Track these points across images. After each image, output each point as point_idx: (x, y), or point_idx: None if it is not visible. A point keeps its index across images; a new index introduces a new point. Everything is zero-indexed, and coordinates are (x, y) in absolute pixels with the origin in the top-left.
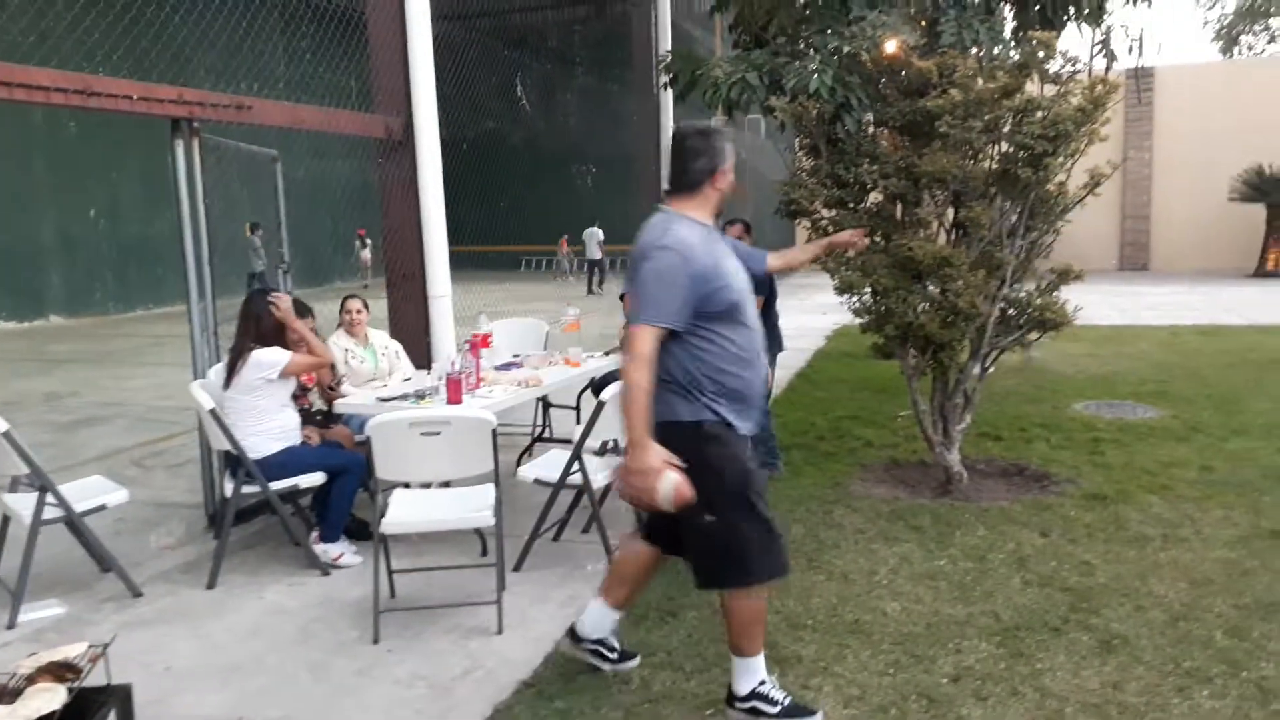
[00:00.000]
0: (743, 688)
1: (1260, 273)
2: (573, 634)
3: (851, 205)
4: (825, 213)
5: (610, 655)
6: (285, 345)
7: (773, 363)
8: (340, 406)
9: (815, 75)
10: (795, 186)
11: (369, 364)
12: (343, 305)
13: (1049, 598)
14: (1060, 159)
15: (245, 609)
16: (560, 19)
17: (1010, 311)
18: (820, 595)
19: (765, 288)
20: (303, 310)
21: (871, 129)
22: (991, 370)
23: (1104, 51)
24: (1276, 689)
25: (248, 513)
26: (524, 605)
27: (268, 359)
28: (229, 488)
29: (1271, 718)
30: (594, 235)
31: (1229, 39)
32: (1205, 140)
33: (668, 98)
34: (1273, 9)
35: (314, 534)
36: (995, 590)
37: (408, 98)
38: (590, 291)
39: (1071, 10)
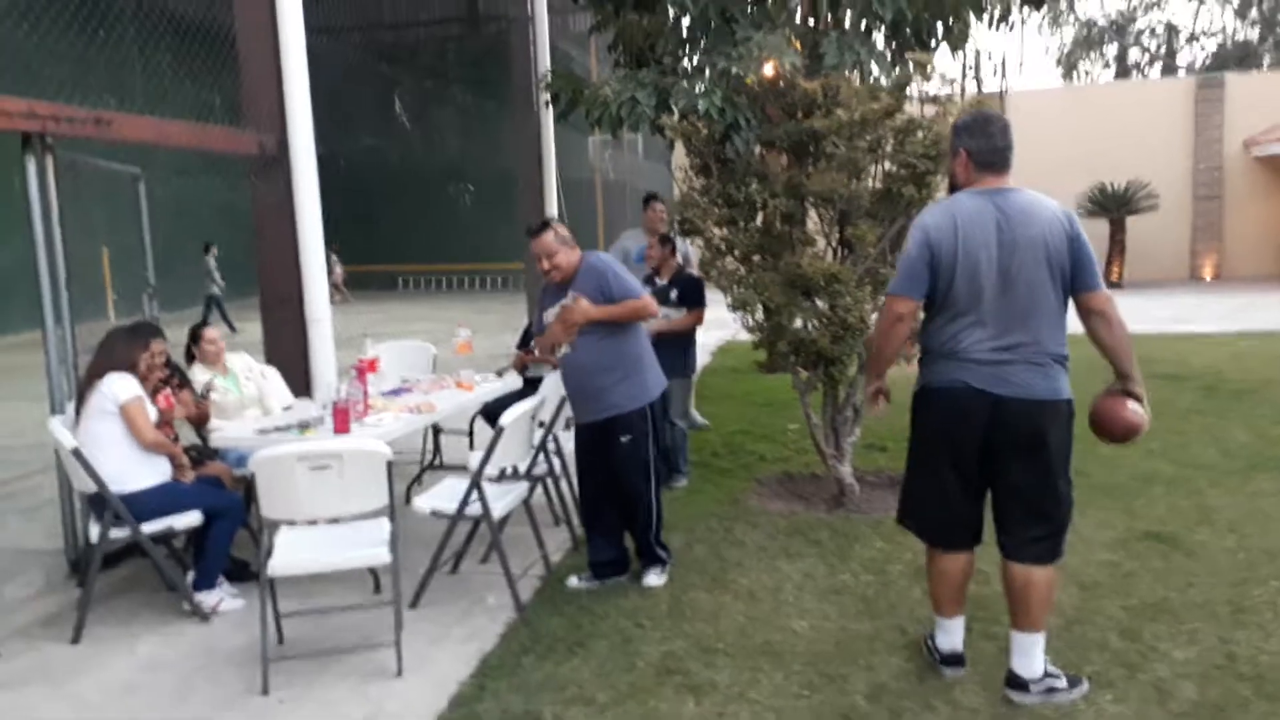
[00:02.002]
0: (1037, 668)
1: (1106, 283)
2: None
3: (742, 224)
4: (717, 231)
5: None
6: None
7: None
8: (217, 440)
9: (704, 96)
10: (688, 206)
11: (233, 394)
12: (197, 336)
13: None
14: (941, 176)
15: (116, 664)
16: (436, 36)
17: None
18: (729, 616)
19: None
20: (174, 371)
21: (758, 149)
22: None
23: (975, 74)
24: (1172, 690)
25: (115, 557)
26: (423, 645)
27: (119, 386)
28: (94, 532)
29: (1171, 718)
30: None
31: (1069, 65)
32: (1053, 159)
33: (548, 117)
34: (1106, 39)
35: (190, 576)
36: (898, 603)
37: (282, 113)
38: None
39: (940, 33)
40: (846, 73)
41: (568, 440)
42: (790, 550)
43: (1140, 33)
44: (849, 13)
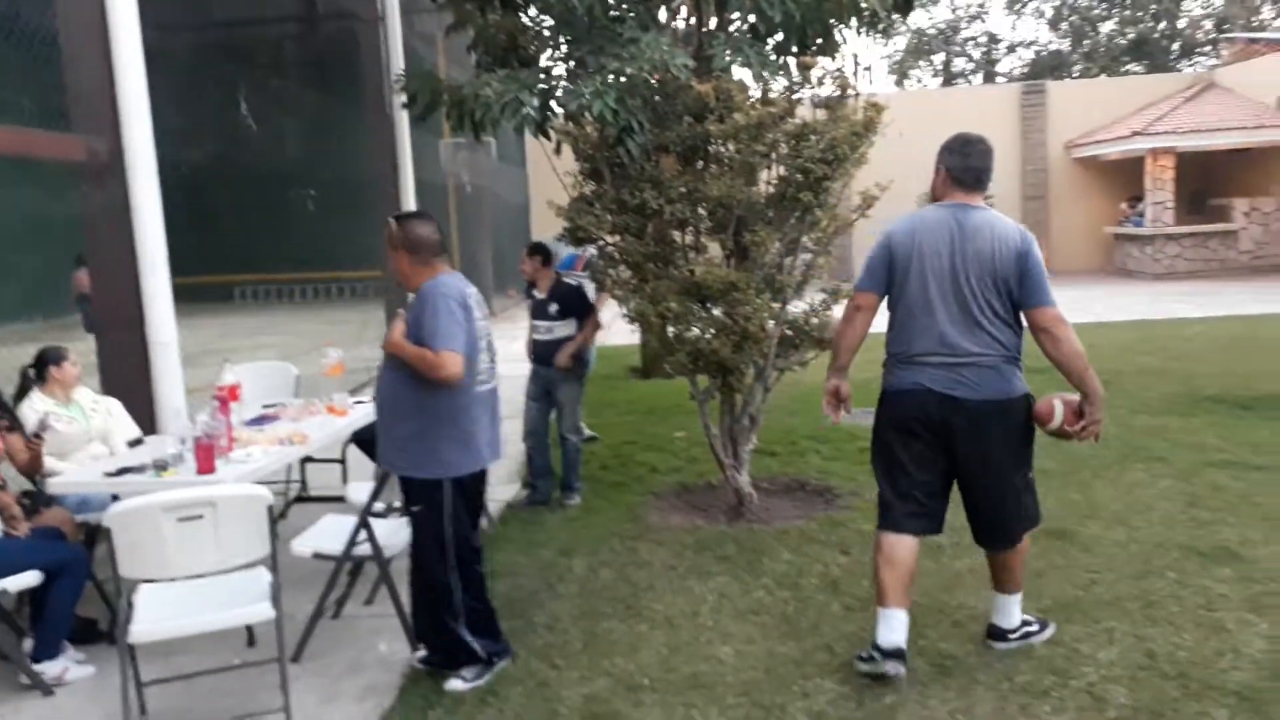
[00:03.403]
0: (1015, 620)
1: None
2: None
3: (634, 231)
4: (609, 239)
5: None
6: None
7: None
8: (56, 486)
9: (597, 97)
10: (581, 213)
11: (79, 424)
12: (52, 361)
13: (873, 622)
14: (838, 182)
15: None
16: (276, 34)
17: (788, 332)
18: (649, 647)
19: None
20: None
21: (651, 153)
22: (773, 391)
23: (852, 79)
24: (1106, 695)
25: None
26: (313, 705)
27: None
28: None
29: None
30: None
31: (901, 72)
32: (893, 160)
33: (403, 118)
34: (934, 47)
35: (27, 643)
36: (820, 621)
37: (115, 116)
38: None
39: (820, 37)
40: (736, 75)
41: None
42: (700, 568)
43: (965, 42)
44: (737, 14)
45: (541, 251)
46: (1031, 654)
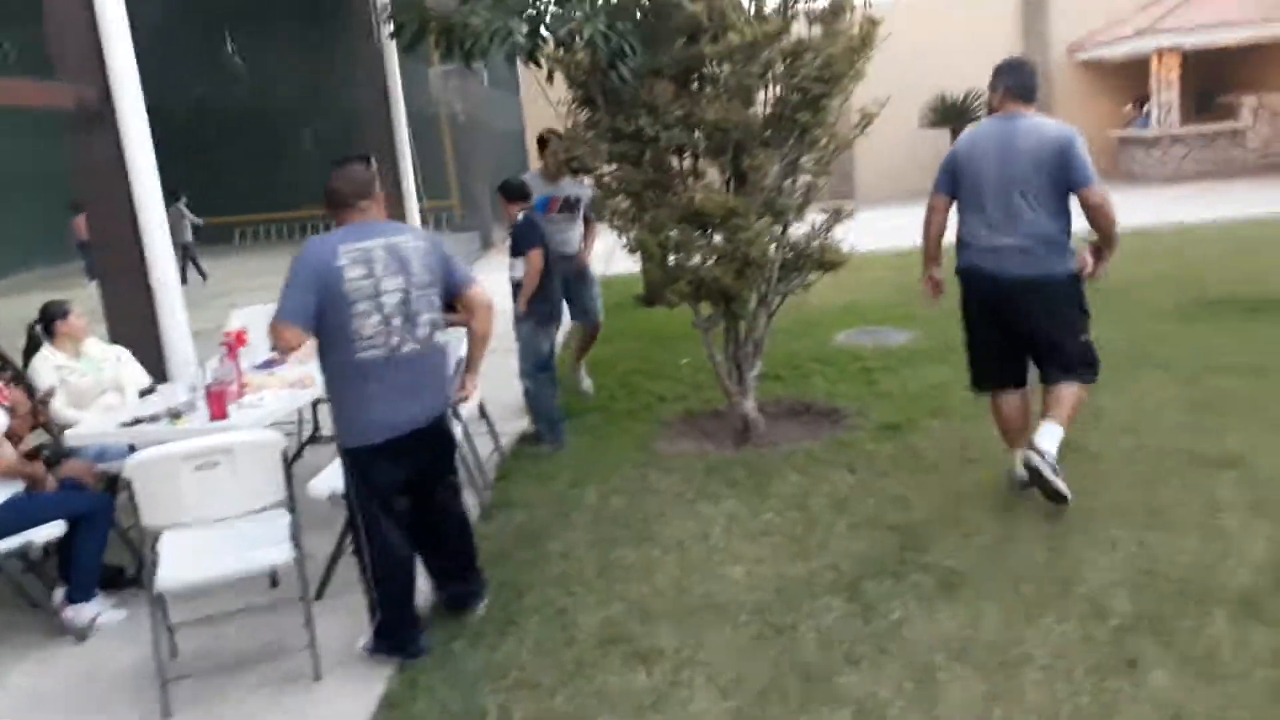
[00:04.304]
0: (1052, 448)
1: None
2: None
3: (632, 159)
4: (607, 168)
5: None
6: None
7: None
8: (73, 438)
9: (587, 22)
10: (577, 143)
11: (90, 376)
12: (58, 315)
13: (879, 540)
14: (836, 100)
15: None
16: None
17: (790, 255)
18: (662, 571)
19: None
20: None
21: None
22: (776, 315)
23: None
24: (1106, 605)
25: None
26: (336, 641)
27: None
28: None
29: (1114, 634)
30: None
31: None
32: (892, 74)
33: (392, 48)
34: None
35: (58, 593)
36: (828, 540)
37: (100, 61)
38: None
39: None
40: None
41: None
42: (709, 493)
43: None
44: None
45: (504, 191)
46: (1036, 564)
